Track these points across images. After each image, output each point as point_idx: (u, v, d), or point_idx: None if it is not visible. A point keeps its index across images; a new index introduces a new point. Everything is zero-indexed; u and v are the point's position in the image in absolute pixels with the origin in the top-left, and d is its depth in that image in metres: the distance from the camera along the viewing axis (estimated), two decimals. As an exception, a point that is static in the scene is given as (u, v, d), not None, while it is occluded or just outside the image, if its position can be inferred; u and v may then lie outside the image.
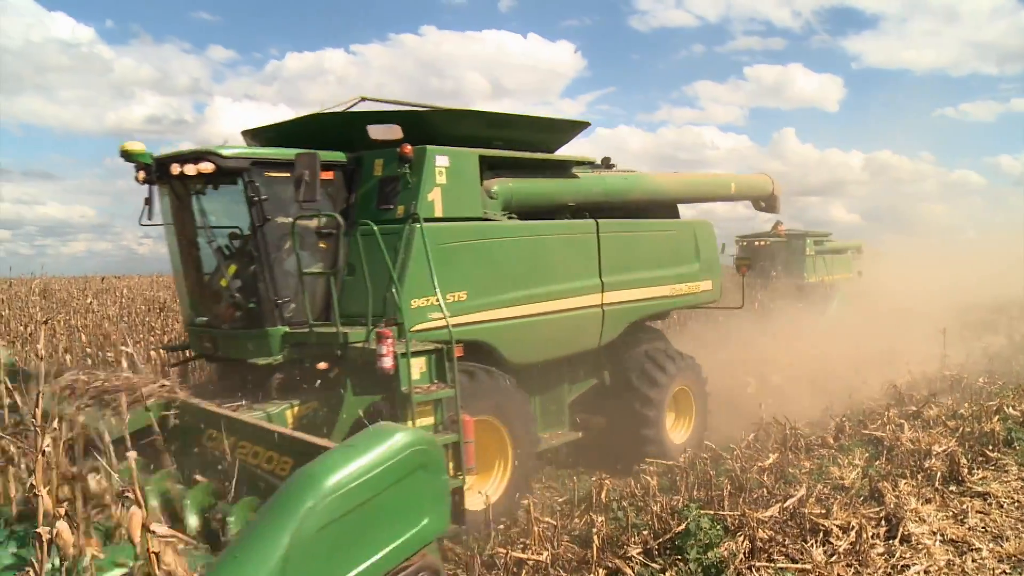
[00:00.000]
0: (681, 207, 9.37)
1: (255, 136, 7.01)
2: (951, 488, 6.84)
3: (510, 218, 6.92)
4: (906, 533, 5.71)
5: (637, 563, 5.18)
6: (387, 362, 5.24)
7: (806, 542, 5.47)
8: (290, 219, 5.76)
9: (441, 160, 6.23)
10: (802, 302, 19.05)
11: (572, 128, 7.66)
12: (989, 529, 6.01)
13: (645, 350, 8.13)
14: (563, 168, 7.71)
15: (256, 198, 5.80)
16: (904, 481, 6.84)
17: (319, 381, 5.82)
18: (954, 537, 5.80)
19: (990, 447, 7.81)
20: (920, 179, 74.67)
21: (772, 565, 5.21)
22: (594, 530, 5.29)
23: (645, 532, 5.47)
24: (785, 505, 5.88)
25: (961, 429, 8.13)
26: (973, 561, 5.46)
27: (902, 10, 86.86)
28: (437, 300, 5.72)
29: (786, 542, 5.48)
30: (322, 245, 6.03)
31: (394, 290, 5.56)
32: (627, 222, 8.01)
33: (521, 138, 7.18)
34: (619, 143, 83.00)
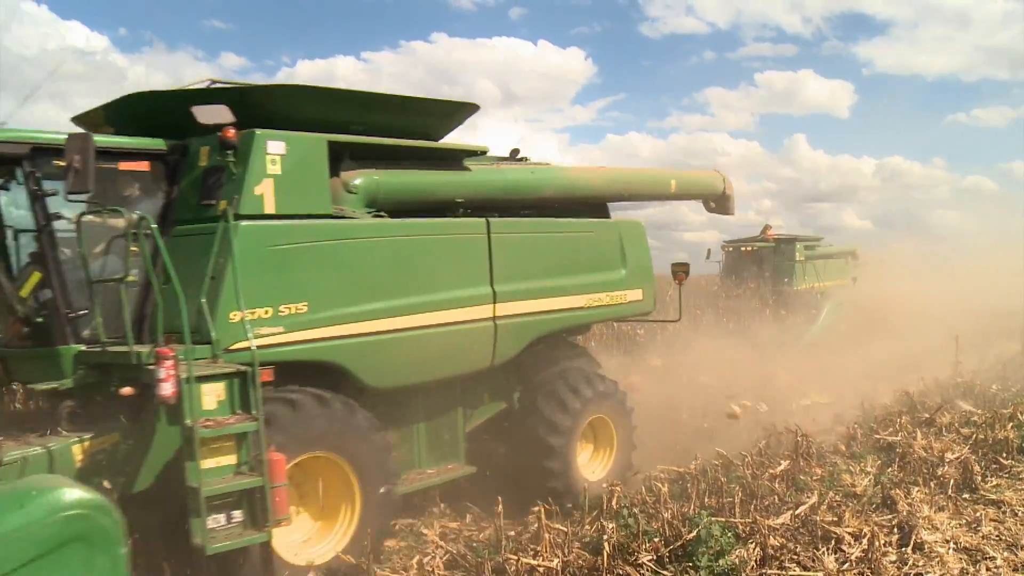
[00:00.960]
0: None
1: (84, 121, 5.98)
2: (964, 496, 6.78)
3: (380, 216, 5.98)
4: (919, 541, 5.67)
5: (648, 570, 5.16)
6: (166, 388, 4.35)
7: (818, 550, 5.44)
8: (85, 216, 4.98)
9: (275, 146, 5.27)
10: (788, 311, 18.48)
11: (456, 111, 6.59)
12: (1003, 537, 5.96)
13: (560, 370, 7.18)
14: (450, 159, 6.66)
15: (39, 191, 4.96)
16: (917, 488, 6.79)
17: (124, 409, 4.98)
18: (968, 545, 5.75)
19: (1004, 454, 7.75)
20: (932, 185, 74.30)
21: (783, 573, 5.18)
22: (605, 537, 5.28)
23: (656, 539, 5.45)
24: (796, 512, 5.86)
25: (974, 436, 8.08)
26: (987, 570, 5.41)
27: (913, 16, 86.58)
28: (259, 312, 4.94)
29: (798, 550, 5.45)
30: (133, 248, 4.89)
31: (204, 301, 4.72)
32: (529, 222, 7.01)
33: (391, 123, 6.18)
34: (630, 150, 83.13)
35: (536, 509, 5.73)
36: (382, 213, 6.00)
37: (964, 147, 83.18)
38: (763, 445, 7.94)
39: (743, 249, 22.26)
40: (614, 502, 6.23)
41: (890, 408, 9.85)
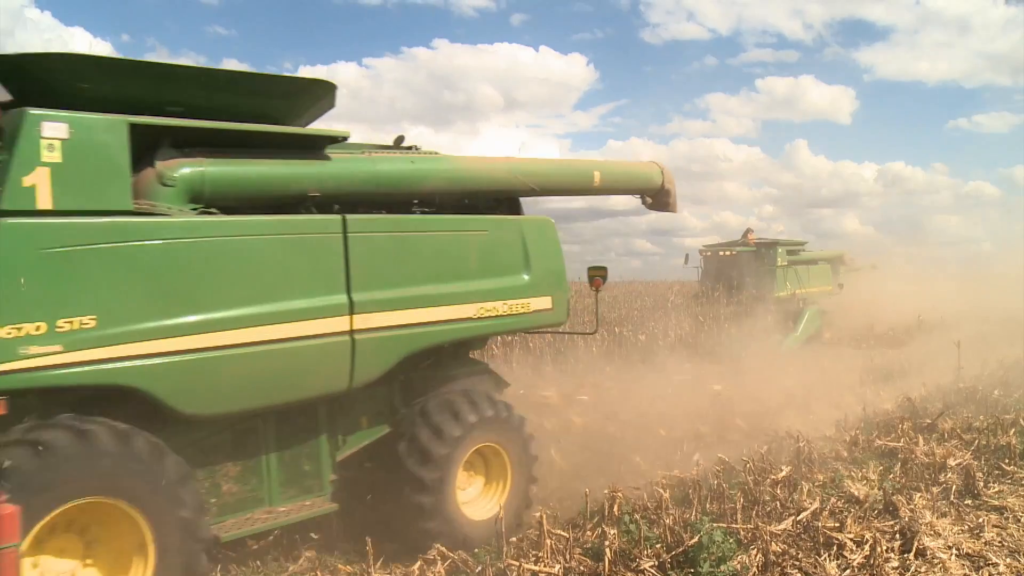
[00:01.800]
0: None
1: None
2: (967, 502, 6.78)
3: (210, 213, 5.05)
4: (921, 547, 5.66)
5: (649, 576, 5.16)
6: None
7: (820, 556, 5.44)
8: None
9: (52, 129, 4.36)
10: (764, 320, 17.53)
11: (305, 91, 5.64)
12: (1006, 544, 5.95)
13: (444, 392, 6.17)
14: (305, 147, 5.70)
15: None
16: (919, 494, 6.79)
17: None
18: (970, 551, 5.74)
19: (1006, 460, 7.74)
20: (934, 190, 74.36)
21: (786, 579, 5.18)
22: (606, 543, 5.28)
23: (658, 545, 5.45)
24: (798, 518, 5.86)
25: (976, 442, 8.07)
26: (990, 576, 5.41)
27: (914, 22, 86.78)
28: (27, 328, 4.10)
29: (799, 556, 5.45)
30: None
31: None
32: (397, 219, 6.00)
33: (226, 104, 5.30)
34: (631, 155, 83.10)
35: (537, 514, 5.72)
36: (213, 210, 5.07)
37: (966, 153, 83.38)
38: (764, 451, 7.93)
39: (721, 254, 20.97)
40: (616, 508, 6.23)
41: (892, 414, 9.85)
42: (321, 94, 5.69)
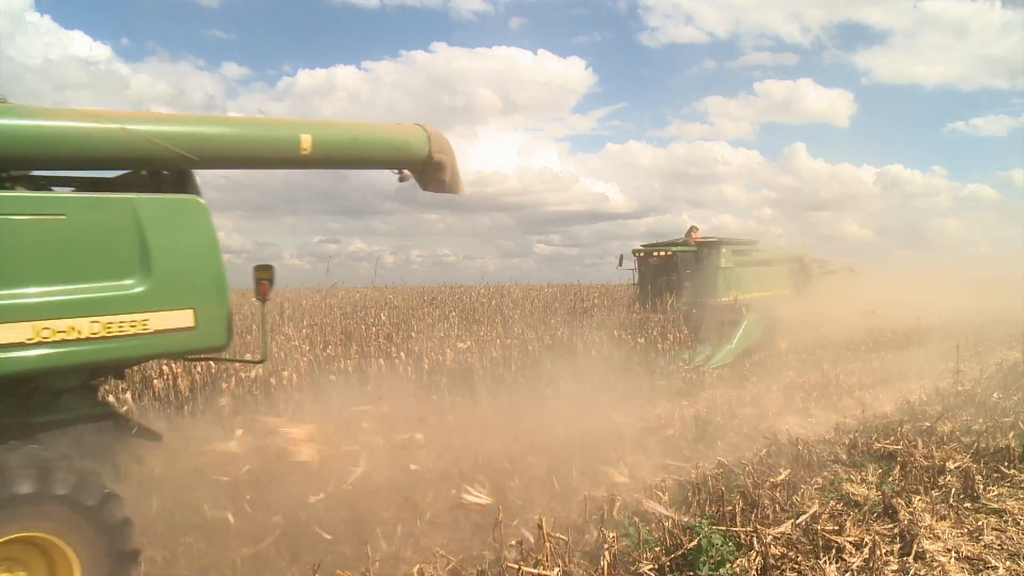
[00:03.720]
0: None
1: None
2: (966, 505, 6.77)
3: None
4: (920, 550, 5.66)
5: (649, 579, 5.15)
6: None
7: (819, 559, 5.43)
8: None
9: None
10: (700, 327, 15.67)
11: None
12: (1006, 547, 5.94)
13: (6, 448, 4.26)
14: None
15: None
16: (918, 497, 6.78)
17: None
18: (969, 554, 5.73)
19: (1005, 463, 7.73)
20: (933, 193, 74.36)
21: (785, 582, 5.17)
22: (605, 546, 5.27)
23: (657, 548, 5.45)
24: (797, 521, 5.85)
25: (976, 445, 8.06)
26: (989, 579, 5.40)
27: (911, 25, 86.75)
28: None
29: (799, 559, 5.44)
30: None
31: None
32: None
33: None
34: (630, 158, 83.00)
35: (537, 517, 5.70)
36: None
37: (964, 156, 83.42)
38: (764, 454, 7.93)
39: (656, 254, 18.54)
40: (615, 511, 6.22)
41: (890, 416, 9.85)
42: None
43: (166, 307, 4.74)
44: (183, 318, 4.82)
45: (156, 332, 4.69)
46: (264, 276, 5.44)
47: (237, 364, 9.68)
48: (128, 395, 10.06)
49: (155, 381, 10.78)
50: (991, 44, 77.92)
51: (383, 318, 17.66)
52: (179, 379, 10.77)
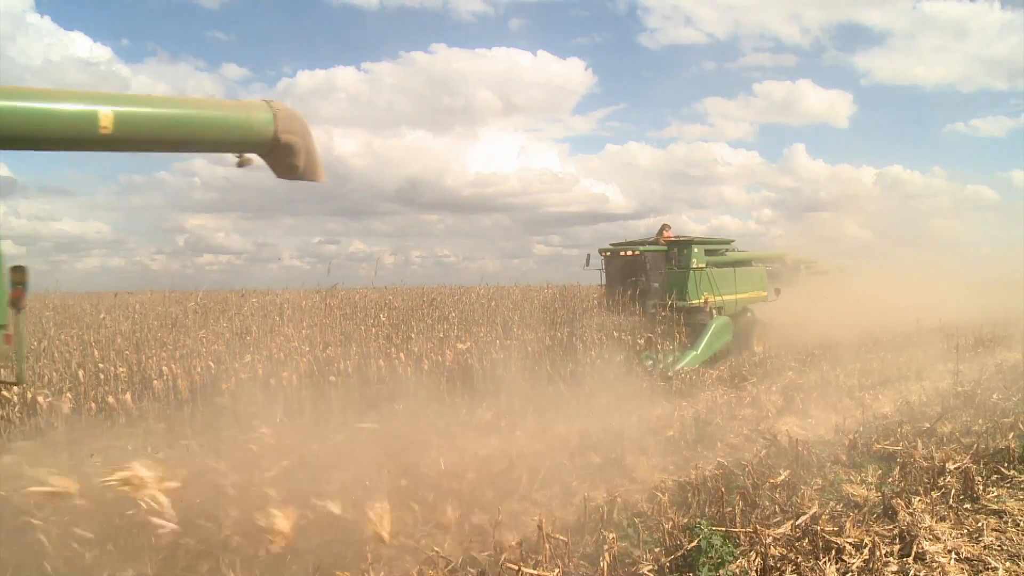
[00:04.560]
0: None
1: None
2: (966, 506, 6.77)
3: None
4: (920, 551, 5.65)
5: (648, 580, 5.14)
6: None
7: (819, 560, 5.43)
8: None
9: None
10: (672, 332, 14.55)
11: None
12: (1005, 548, 5.94)
13: None
14: None
15: None
16: (918, 498, 6.77)
17: None
18: (969, 555, 5.73)
19: (1005, 464, 7.73)
20: (932, 194, 74.36)
21: (785, 583, 5.17)
22: (605, 547, 5.27)
23: (657, 549, 5.44)
24: (797, 522, 5.85)
25: (975, 446, 8.06)
26: (989, 580, 5.40)
27: (910, 26, 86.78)
28: None
29: (799, 560, 5.44)
30: None
31: None
32: None
33: None
34: (629, 159, 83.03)
35: (536, 519, 5.70)
36: None
37: (963, 156, 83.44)
38: (763, 455, 7.93)
39: (623, 254, 17.25)
40: (615, 512, 6.22)
41: (890, 417, 9.85)
42: None
43: None
44: None
45: None
46: (17, 280, 4.66)
47: None
48: (128, 395, 10.07)
49: (155, 382, 10.80)
50: (990, 45, 78.04)
51: (383, 319, 17.66)
52: (179, 379, 10.78)
